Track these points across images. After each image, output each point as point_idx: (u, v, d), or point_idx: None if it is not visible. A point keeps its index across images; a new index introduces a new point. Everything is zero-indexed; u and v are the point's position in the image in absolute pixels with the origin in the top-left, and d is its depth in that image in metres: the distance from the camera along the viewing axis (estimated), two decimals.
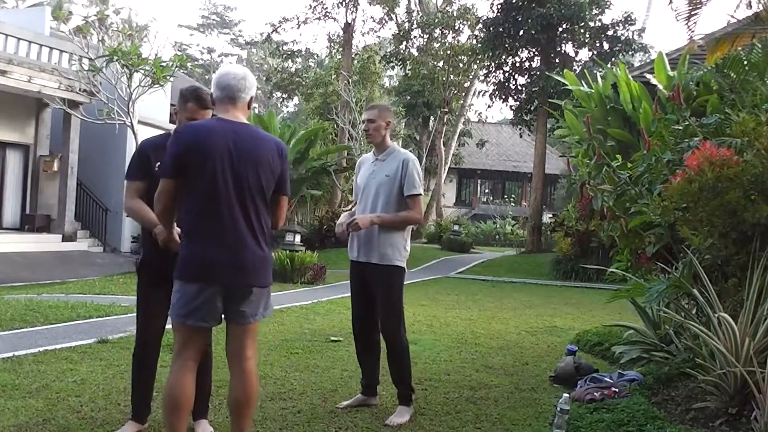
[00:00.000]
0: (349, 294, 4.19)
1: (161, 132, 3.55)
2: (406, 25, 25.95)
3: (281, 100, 37.72)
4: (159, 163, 3.28)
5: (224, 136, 2.80)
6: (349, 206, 4.18)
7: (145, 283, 3.40)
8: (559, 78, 12.23)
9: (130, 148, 13.31)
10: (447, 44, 25.24)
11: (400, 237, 3.94)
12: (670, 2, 6.76)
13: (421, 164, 22.40)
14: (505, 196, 34.57)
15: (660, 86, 8.38)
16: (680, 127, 4.48)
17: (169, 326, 3.37)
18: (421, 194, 3.98)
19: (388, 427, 3.66)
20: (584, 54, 18.86)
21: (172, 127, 3.48)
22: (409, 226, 4.07)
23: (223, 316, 2.89)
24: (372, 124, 4.00)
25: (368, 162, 4.13)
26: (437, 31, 25.13)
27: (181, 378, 2.79)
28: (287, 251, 12.05)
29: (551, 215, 18.93)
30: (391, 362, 3.97)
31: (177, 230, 2.98)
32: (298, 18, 26.44)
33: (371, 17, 30.46)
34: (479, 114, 30.63)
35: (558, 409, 3.52)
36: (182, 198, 2.83)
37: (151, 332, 3.38)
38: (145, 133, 3.96)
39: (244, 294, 2.84)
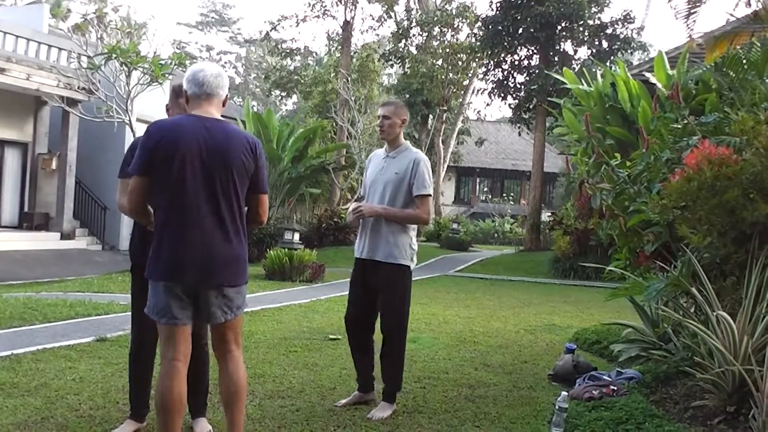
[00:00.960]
0: (348, 292, 4.18)
1: None
2: (405, 23, 25.92)
3: (280, 98, 37.64)
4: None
5: (195, 133, 2.77)
6: (355, 197, 4.16)
7: (139, 282, 3.39)
8: (558, 76, 12.25)
9: None
10: (446, 42, 25.24)
11: (406, 236, 3.92)
12: (669, 0, 6.76)
13: None
14: (504, 195, 34.55)
15: (659, 85, 8.38)
16: (679, 126, 4.48)
17: None
18: (430, 195, 3.94)
19: (371, 421, 3.69)
20: (583, 52, 18.88)
21: None
22: (416, 225, 4.04)
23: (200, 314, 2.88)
24: (387, 120, 3.96)
25: (379, 158, 4.10)
26: (436, 29, 25.12)
27: (168, 379, 2.78)
28: (286, 249, 12.03)
29: (550, 213, 18.92)
30: (386, 360, 3.95)
31: None
32: (296, 16, 26.44)
33: (370, 15, 30.33)
34: (478, 112, 30.84)
35: (556, 407, 3.52)
36: (153, 195, 2.81)
37: (147, 331, 3.36)
38: (143, 131, 3.95)
39: (217, 292, 2.82)
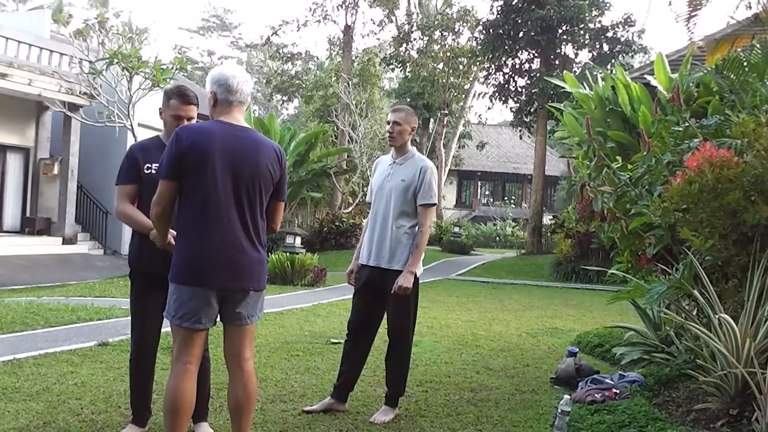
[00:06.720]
0: (350, 296, 4.17)
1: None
2: (406, 27, 26.00)
3: (281, 102, 37.71)
4: (147, 165, 3.28)
5: (224, 139, 2.80)
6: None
7: (138, 287, 3.40)
8: (558, 82, 12.22)
9: None
10: (447, 46, 25.30)
11: (412, 244, 3.89)
12: (670, 3, 6.77)
13: None
14: (505, 198, 34.58)
15: (660, 87, 8.38)
16: (680, 129, 4.48)
17: (167, 329, 3.38)
18: (435, 204, 3.93)
19: (373, 424, 3.69)
20: (584, 55, 18.89)
21: None
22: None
23: (219, 318, 2.89)
24: (398, 126, 3.93)
25: (385, 164, 4.08)
26: (437, 33, 25.20)
27: (181, 381, 2.78)
28: (287, 253, 12.04)
29: (551, 217, 18.91)
30: (391, 364, 3.96)
31: (172, 233, 2.96)
32: (297, 21, 26.59)
33: (371, 19, 30.64)
34: (479, 116, 30.74)
35: (559, 410, 3.51)
36: (179, 200, 2.82)
37: (147, 337, 3.38)
38: (145, 136, 3.98)
39: (241, 296, 2.84)
